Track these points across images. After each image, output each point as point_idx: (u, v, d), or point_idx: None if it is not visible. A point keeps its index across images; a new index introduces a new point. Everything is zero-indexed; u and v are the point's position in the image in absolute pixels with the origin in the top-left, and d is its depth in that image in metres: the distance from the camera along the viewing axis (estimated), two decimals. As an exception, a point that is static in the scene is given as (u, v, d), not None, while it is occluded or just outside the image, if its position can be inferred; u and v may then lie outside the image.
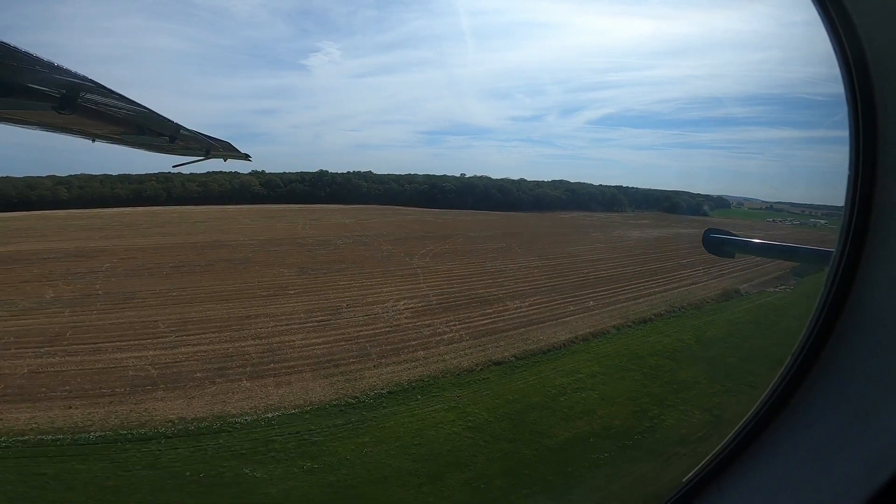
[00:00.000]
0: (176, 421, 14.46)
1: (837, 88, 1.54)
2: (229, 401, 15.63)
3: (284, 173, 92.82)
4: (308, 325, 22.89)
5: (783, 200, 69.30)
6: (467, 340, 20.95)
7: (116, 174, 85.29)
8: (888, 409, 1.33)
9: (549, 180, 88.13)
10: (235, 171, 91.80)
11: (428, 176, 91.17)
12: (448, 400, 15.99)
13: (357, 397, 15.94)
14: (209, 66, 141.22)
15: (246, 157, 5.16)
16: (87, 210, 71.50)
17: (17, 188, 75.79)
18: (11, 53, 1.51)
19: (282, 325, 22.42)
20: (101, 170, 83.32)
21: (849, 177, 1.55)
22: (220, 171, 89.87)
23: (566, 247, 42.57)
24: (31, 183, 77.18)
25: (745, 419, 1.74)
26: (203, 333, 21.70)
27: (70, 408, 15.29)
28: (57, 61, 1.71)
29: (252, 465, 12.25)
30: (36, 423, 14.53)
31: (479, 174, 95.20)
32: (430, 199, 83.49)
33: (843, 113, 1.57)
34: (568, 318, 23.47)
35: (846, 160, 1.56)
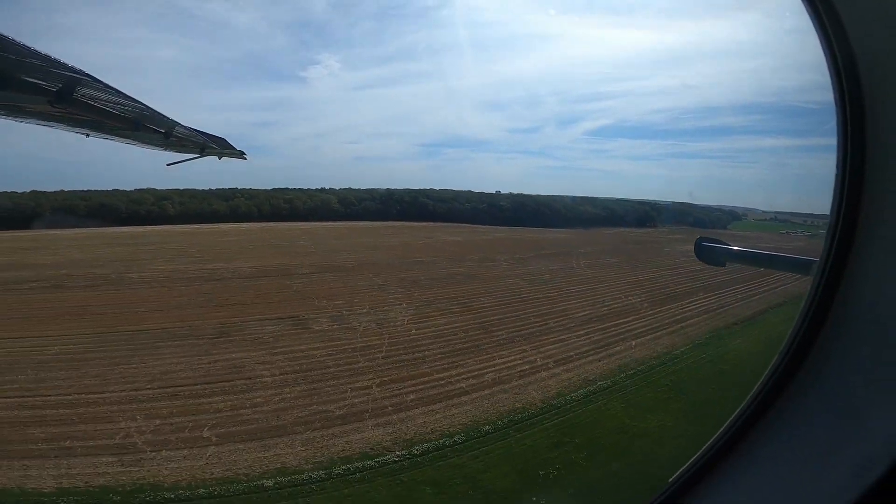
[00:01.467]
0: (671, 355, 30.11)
1: (830, 96, 1.57)
2: (669, 345, 31.74)
3: (354, 189, 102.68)
4: (602, 312, 38.84)
5: (784, 210, 72.58)
6: (702, 315, 38.48)
7: (209, 189, 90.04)
8: (876, 410, 1.38)
9: (581, 196, 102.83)
10: (310, 188, 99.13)
11: (484, 194, 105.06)
12: (739, 338, 33.56)
13: (704, 340, 32.86)
14: (210, 78, 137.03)
15: (241, 154, 5.32)
16: (207, 225, 77.98)
17: (125, 202, 79.73)
18: (10, 46, 1.53)
19: (598, 313, 38.19)
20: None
21: (836, 178, 1.60)
22: (301, 189, 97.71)
23: (660, 259, 61.57)
24: (135, 198, 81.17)
25: (731, 419, 1.81)
26: (590, 324, 36.63)
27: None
28: (54, 55, 1.70)
29: (725, 368, 28.50)
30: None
31: (513, 191, 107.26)
32: (490, 216, 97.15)
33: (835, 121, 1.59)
34: (733, 306, 41.95)
35: None
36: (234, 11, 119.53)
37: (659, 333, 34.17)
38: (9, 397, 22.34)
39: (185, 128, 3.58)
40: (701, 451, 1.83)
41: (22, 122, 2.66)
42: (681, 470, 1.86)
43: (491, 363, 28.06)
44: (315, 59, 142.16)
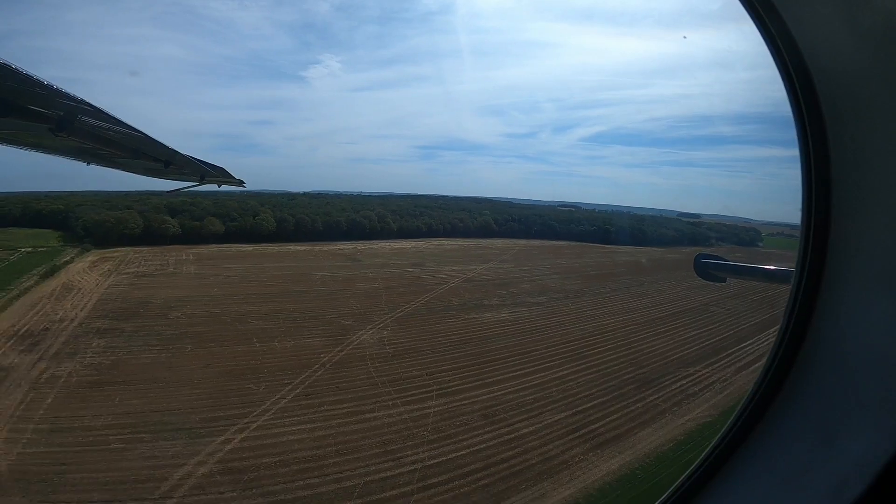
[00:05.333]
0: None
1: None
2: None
3: (498, 202, 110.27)
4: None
5: (781, 221, 73.54)
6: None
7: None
8: (851, 433, 1.39)
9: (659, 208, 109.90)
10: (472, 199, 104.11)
11: (597, 208, 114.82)
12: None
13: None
14: (211, 77, 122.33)
15: (240, 183, 5.36)
16: (446, 240, 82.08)
17: (345, 218, 79.48)
18: (12, 74, 1.58)
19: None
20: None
21: (803, 201, 1.57)
22: (463, 205, 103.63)
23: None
24: (367, 214, 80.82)
25: (710, 446, 1.80)
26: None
27: None
28: (56, 83, 1.76)
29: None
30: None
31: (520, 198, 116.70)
32: (601, 236, 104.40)
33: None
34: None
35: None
36: (239, 11, 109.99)
37: None
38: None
39: (185, 156, 3.59)
40: (684, 476, 1.84)
41: (23, 150, 2.73)
42: (665, 494, 1.88)
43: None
44: (316, 60, 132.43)
